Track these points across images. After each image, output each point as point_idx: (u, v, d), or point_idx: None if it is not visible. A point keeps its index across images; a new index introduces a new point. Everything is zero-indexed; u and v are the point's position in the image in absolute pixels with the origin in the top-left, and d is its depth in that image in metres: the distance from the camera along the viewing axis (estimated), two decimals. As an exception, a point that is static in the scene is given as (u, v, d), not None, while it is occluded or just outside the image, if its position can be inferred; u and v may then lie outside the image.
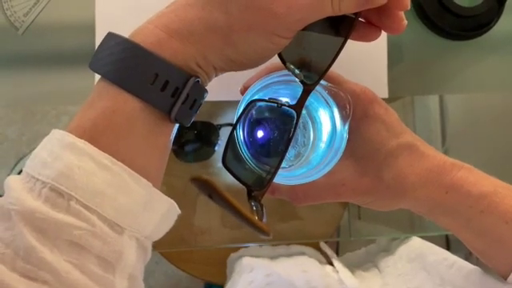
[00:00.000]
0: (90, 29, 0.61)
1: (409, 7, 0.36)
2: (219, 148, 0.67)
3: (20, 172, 0.33)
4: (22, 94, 0.62)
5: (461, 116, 0.73)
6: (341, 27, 0.37)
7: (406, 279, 0.59)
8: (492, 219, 0.43)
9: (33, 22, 0.62)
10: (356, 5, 0.35)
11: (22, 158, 0.73)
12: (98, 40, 0.61)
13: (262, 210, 0.36)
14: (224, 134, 0.66)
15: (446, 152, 0.72)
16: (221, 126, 0.67)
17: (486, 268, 0.48)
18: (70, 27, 0.62)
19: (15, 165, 0.72)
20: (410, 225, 0.72)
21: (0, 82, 0.62)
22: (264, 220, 0.34)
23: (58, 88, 0.62)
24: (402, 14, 0.37)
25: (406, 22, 0.37)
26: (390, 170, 0.44)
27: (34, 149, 0.33)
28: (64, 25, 0.63)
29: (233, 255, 0.71)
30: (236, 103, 0.43)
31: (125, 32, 0.34)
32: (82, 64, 0.61)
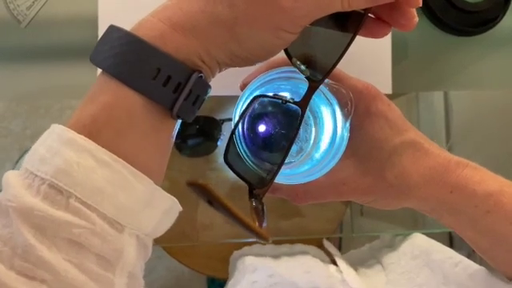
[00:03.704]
0: (93, 22, 0.61)
1: (421, 4, 0.35)
2: (221, 143, 0.67)
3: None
4: (25, 87, 0.62)
5: (466, 113, 0.73)
6: (349, 23, 0.36)
7: (409, 277, 0.59)
8: (498, 219, 0.42)
9: (36, 15, 0.62)
10: (366, 0, 0.34)
11: (25, 151, 0.73)
12: (101, 34, 0.61)
13: (263, 209, 0.35)
14: (226, 128, 0.66)
15: (450, 149, 0.72)
16: (223, 120, 0.66)
17: (490, 268, 0.48)
18: (72, 21, 0.62)
19: (19, 158, 0.72)
20: (413, 222, 0.72)
21: (3, 76, 0.62)
22: (264, 220, 0.33)
23: (62, 82, 0.62)
24: (414, 10, 0.36)
25: (417, 18, 0.36)
26: (393, 168, 0.43)
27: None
28: (67, 18, 0.62)
29: (236, 253, 0.71)
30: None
31: (127, 25, 0.34)
32: (85, 58, 0.60)
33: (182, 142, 0.66)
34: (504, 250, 0.44)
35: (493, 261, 0.46)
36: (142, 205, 0.32)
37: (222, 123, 0.66)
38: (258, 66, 0.42)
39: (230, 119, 0.66)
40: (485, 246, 0.45)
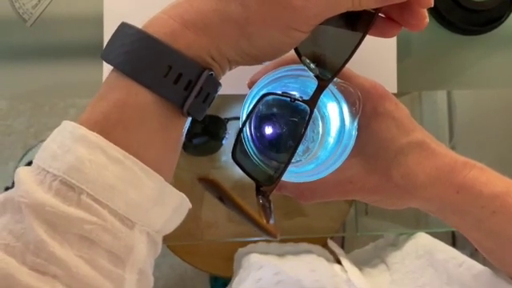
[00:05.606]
0: (99, 21, 0.61)
1: (432, 4, 0.35)
2: (227, 142, 0.67)
3: (28, 164, 0.32)
4: (29, 86, 0.62)
5: (469, 112, 0.73)
6: (359, 22, 0.36)
7: (414, 276, 0.59)
8: (504, 220, 0.42)
9: (41, 14, 0.62)
10: (377, 0, 0.34)
11: (29, 149, 0.73)
12: (107, 33, 0.61)
13: (270, 206, 0.35)
14: (232, 127, 0.66)
15: (453, 147, 0.72)
16: (228, 119, 0.66)
17: (493, 268, 0.48)
18: (78, 19, 0.62)
19: (22, 156, 0.72)
20: (416, 221, 0.72)
21: (8, 74, 0.62)
22: (272, 217, 0.34)
23: (66, 80, 0.62)
24: (425, 10, 0.36)
25: (427, 19, 0.36)
26: (399, 168, 0.43)
27: (41, 141, 0.33)
28: (72, 17, 0.62)
29: (240, 251, 0.71)
30: (244, 97, 0.42)
31: (134, 24, 0.34)
32: (90, 56, 0.61)
33: (187, 141, 0.66)
34: (510, 250, 0.44)
35: (498, 261, 0.46)
36: (153, 202, 0.32)
37: (227, 122, 0.66)
38: (265, 63, 0.42)
39: (236, 118, 0.66)
40: (490, 246, 0.45)
